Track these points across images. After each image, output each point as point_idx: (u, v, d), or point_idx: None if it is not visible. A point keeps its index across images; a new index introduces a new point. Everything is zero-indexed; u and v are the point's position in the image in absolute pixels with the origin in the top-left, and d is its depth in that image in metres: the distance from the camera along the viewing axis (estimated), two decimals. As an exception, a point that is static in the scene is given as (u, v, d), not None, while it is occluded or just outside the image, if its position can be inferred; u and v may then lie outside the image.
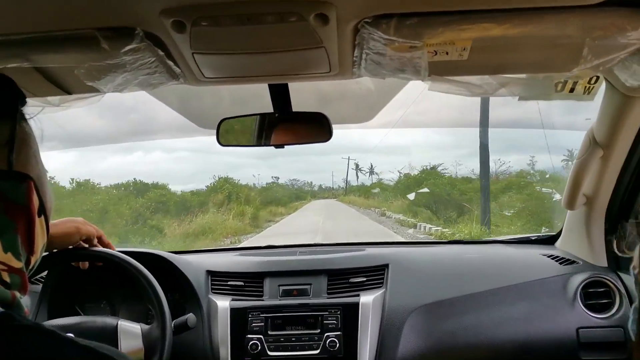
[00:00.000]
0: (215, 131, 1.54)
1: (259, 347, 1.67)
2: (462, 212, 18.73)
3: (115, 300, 1.79)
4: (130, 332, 1.44)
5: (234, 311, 1.73)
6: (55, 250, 1.40)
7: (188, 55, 1.09)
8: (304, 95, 1.64)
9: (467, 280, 1.82)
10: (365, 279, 1.83)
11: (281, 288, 1.80)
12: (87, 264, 1.49)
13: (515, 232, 11.71)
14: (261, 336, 1.69)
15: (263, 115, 1.52)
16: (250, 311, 1.73)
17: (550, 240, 2.13)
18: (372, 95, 1.75)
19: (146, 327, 1.47)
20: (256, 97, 1.58)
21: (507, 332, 1.70)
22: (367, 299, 1.74)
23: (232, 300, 1.77)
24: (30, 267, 0.83)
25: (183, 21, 0.94)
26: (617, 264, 1.78)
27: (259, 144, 1.55)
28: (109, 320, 1.47)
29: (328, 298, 1.77)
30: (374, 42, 1.05)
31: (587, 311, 1.70)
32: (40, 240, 0.84)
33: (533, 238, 2.23)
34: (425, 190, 24.59)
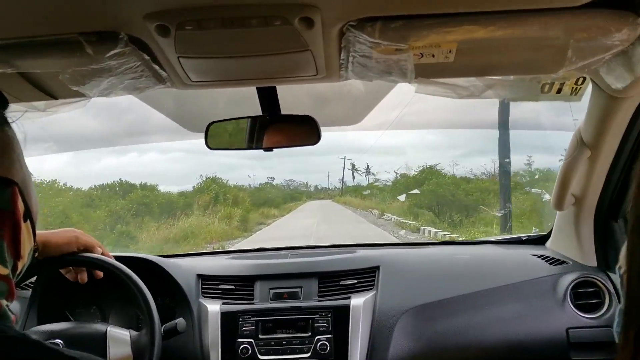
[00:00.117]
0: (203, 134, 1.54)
1: (250, 351, 1.67)
2: (468, 214, 17.84)
3: (106, 306, 1.78)
4: (119, 338, 1.44)
5: (224, 315, 1.73)
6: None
7: (173, 59, 1.09)
8: (294, 97, 1.64)
9: (458, 281, 1.82)
10: (356, 281, 1.82)
11: (272, 291, 1.80)
12: (75, 275, 1.49)
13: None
14: (252, 340, 1.68)
15: (251, 118, 1.52)
16: (240, 315, 1.73)
17: (540, 240, 2.13)
18: (360, 97, 1.75)
19: (135, 333, 1.46)
20: (245, 100, 1.58)
21: (497, 332, 1.70)
22: (358, 301, 1.73)
23: (223, 304, 1.77)
24: (17, 272, 0.83)
25: (167, 25, 0.94)
26: (607, 263, 1.79)
27: (247, 146, 1.55)
28: (98, 326, 1.46)
29: (319, 301, 1.77)
30: (360, 45, 1.06)
31: (576, 311, 1.71)
32: (27, 245, 0.84)
33: (524, 238, 2.23)
34: (416, 191, 23.65)
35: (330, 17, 0.97)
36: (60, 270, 1.51)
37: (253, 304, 1.77)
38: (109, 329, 1.44)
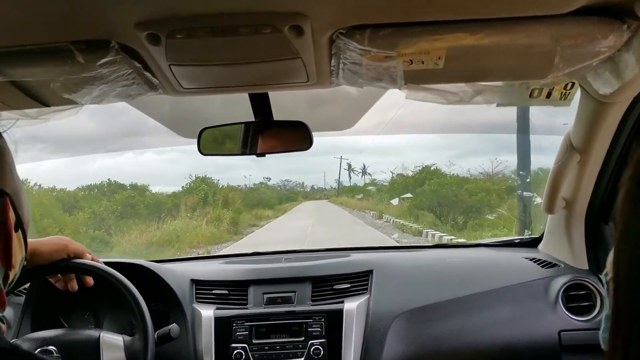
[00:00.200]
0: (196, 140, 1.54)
1: (244, 356, 1.67)
2: (472, 215, 16.87)
3: (99, 311, 1.78)
4: (113, 344, 1.44)
5: (218, 320, 1.73)
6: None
7: (165, 66, 1.09)
8: (285, 101, 1.65)
9: (451, 284, 1.83)
10: (349, 285, 1.83)
11: (265, 296, 1.80)
12: (65, 284, 1.49)
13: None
14: (245, 345, 1.69)
15: (244, 124, 1.52)
16: (234, 320, 1.73)
17: (533, 243, 2.15)
18: (352, 102, 1.76)
19: (128, 338, 1.47)
20: (238, 103, 1.59)
21: (490, 335, 1.71)
22: (351, 305, 1.74)
23: (217, 309, 1.77)
24: (9, 281, 0.83)
25: (158, 34, 0.94)
26: (598, 266, 1.80)
27: (240, 152, 1.55)
28: (91, 332, 1.46)
29: (312, 305, 1.77)
30: (350, 52, 1.07)
31: (568, 314, 1.72)
32: (19, 255, 0.84)
33: (516, 241, 2.25)
34: (409, 195, 22.79)
35: (319, 25, 0.98)
36: (50, 280, 1.52)
37: (247, 308, 1.78)
38: (102, 334, 1.44)
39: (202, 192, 23.32)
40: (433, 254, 2.20)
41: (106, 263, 1.52)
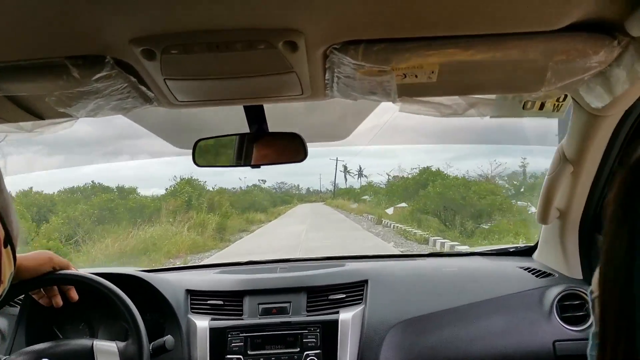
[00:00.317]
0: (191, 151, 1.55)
1: None
2: (482, 220, 15.46)
3: (94, 321, 1.77)
4: (107, 350, 1.44)
5: (213, 331, 1.73)
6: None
7: (160, 80, 1.10)
8: (281, 112, 1.65)
9: (446, 294, 1.83)
10: (344, 296, 1.83)
11: (261, 306, 1.80)
12: (48, 300, 1.49)
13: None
14: (241, 356, 1.69)
15: (239, 136, 1.53)
16: (229, 331, 1.73)
17: (527, 252, 2.15)
18: (347, 114, 1.77)
19: (122, 343, 1.47)
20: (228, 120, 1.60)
21: (485, 345, 1.71)
22: (347, 315, 1.74)
23: (212, 319, 1.77)
24: None
25: (153, 49, 0.95)
26: (592, 276, 1.80)
27: (235, 164, 1.56)
28: (84, 341, 1.46)
29: (307, 316, 1.77)
30: (344, 67, 1.07)
31: (563, 324, 1.72)
32: (8, 270, 0.84)
33: (511, 250, 2.25)
34: (404, 205, 21.51)
35: (314, 40, 0.99)
36: (34, 296, 1.51)
37: (242, 319, 1.78)
38: (95, 342, 1.44)
39: (185, 195, 21.33)
40: (428, 263, 2.20)
41: (100, 274, 1.52)
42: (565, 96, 1.39)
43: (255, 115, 1.46)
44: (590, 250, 1.79)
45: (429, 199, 18.74)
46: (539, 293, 1.80)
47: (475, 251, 2.36)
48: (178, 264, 11.52)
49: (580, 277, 1.83)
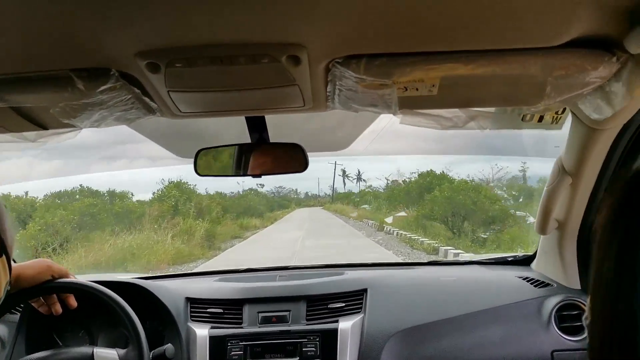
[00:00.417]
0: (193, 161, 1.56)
1: None
2: (493, 227, 14.26)
3: (93, 328, 1.78)
4: (107, 358, 1.44)
5: (213, 339, 1.73)
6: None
7: (163, 92, 1.11)
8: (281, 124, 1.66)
9: (445, 304, 1.84)
10: (344, 304, 1.84)
11: (260, 315, 1.80)
12: (48, 308, 1.50)
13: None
14: None
15: (240, 146, 1.54)
16: (229, 339, 1.73)
17: (526, 261, 2.16)
18: (347, 124, 1.78)
19: (122, 351, 1.47)
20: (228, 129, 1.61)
21: (483, 355, 1.72)
22: (346, 324, 1.75)
23: (211, 328, 1.77)
24: None
25: (157, 63, 0.96)
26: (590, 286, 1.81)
27: (236, 174, 1.57)
28: (84, 349, 1.47)
29: (307, 324, 1.78)
30: (346, 80, 1.09)
31: (561, 334, 1.73)
32: (3, 279, 0.85)
33: (509, 259, 2.26)
34: (403, 214, 20.03)
35: (316, 54, 1.00)
36: (33, 305, 1.52)
37: (242, 327, 1.78)
38: (95, 350, 1.44)
39: (172, 199, 19.60)
40: (426, 272, 2.21)
41: (100, 282, 1.52)
42: (564, 109, 1.40)
43: (257, 126, 1.47)
44: (589, 261, 1.80)
45: (436, 203, 16.90)
46: (537, 303, 1.81)
47: (474, 260, 2.37)
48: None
49: (579, 287, 1.84)
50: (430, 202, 17.38)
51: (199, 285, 2.01)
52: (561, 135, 1.55)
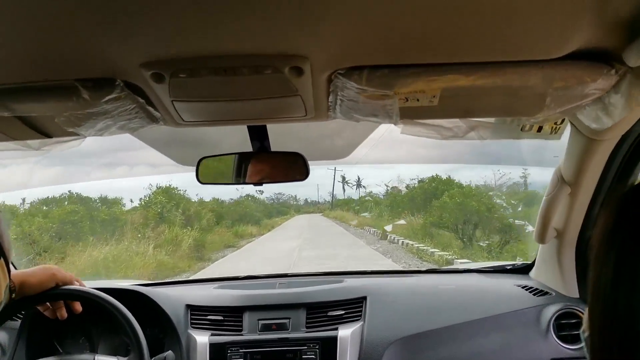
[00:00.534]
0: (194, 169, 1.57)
1: None
2: (510, 235, 12.67)
3: (94, 335, 1.78)
4: None
5: (213, 346, 1.73)
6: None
7: (167, 102, 1.12)
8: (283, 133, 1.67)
9: (444, 312, 1.84)
10: (343, 312, 1.84)
11: (260, 322, 1.81)
12: (54, 312, 1.51)
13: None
14: None
15: (241, 154, 1.55)
16: (229, 346, 1.73)
17: (525, 270, 2.17)
18: (348, 134, 1.79)
19: (124, 358, 1.48)
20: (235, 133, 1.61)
21: None
22: (346, 332, 1.75)
23: (212, 335, 1.78)
24: None
25: (162, 73, 0.97)
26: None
27: (237, 182, 1.58)
28: (85, 356, 1.47)
29: (307, 332, 1.78)
30: (348, 91, 1.10)
31: (560, 342, 1.74)
32: (2, 283, 0.86)
33: (508, 267, 2.27)
34: (402, 222, 18.63)
35: (319, 66, 1.01)
36: (39, 308, 1.52)
37: (242, 335, 1.79)
38: (96, 357, 1.45)
39: (158, 206, 17.81)
40: (425, 280, 2.22)
41: (100, 289, 1.53)
42: (563, 119, 1.42)
43: (258, 134, 1.48)
44: (587, 270, 1.80)
45: (447, 210, 15.22)
46: (536, 311, 1.82)
47: (473, 268, 2.38)
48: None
49: (577, 295, 1.85)
50: (438, 209, 15.93)
51: (199, 292, 2.02)
52: (560, 145, 1.56)
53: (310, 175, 1.51)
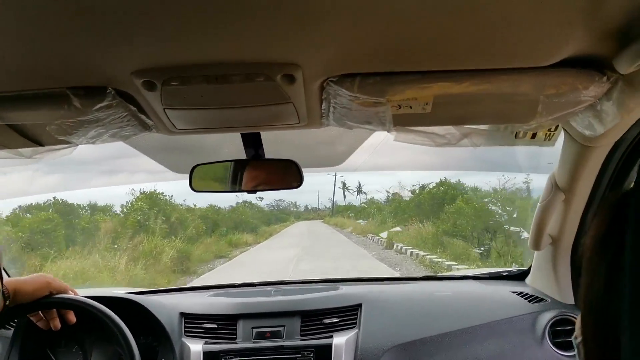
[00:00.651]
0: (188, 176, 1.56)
1: None
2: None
3: (87, 344, 1.77)
4: None
5: (207, 355, 1.73)
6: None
7: (159, 110, 1.12)
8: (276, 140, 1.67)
9: (439, 319, 1.84)
10: (338, 320, 1.84)
11: (254, 330, 1.80)
12: (47, 322, 1.50)
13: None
14: None
15: (236, 162, 1.55)
16: (223, 355, 1.73)
17: (520, 276, 2.17)
18: (343, 141, 1.79)
19: None
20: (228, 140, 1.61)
21: None
22: (340, 340, 1.74)
23: (205, 343, 1.77)
24: None
25: (154, 81, 0.97)
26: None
27: (231, 189, 1.57)
28: None
29: (301, 340, 1.78)
30: (340, 98, 1.10)
31: (555, 349, 1.73)
32: None
33: (504, 274, 2.27)
34: (398, 229, 17.64)
35: (311, 73, 1.01)
36: (32, 319, 1.52)
37: (236, 343, 1.78)
38: None
39: (137, 213, 16.11)
40: (421, 287, 2.21)
41: (94, 297, 1.52)
42: (557, 126, 1.42)
43: (252, 142, 1.48)
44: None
45: (463, 216, 13.63)
46: (531, 318, 1.81)
47: (469, 275, 2.37)
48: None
49: (573, 302, 1.84)
50: (453, 216, 14.29)
51: (194, 300, 2.01)
52: (555, 151, 1.57)
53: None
